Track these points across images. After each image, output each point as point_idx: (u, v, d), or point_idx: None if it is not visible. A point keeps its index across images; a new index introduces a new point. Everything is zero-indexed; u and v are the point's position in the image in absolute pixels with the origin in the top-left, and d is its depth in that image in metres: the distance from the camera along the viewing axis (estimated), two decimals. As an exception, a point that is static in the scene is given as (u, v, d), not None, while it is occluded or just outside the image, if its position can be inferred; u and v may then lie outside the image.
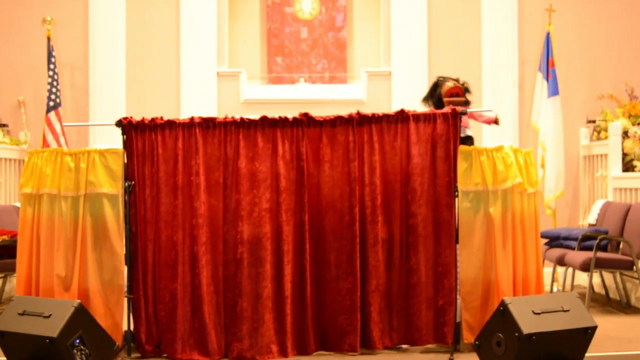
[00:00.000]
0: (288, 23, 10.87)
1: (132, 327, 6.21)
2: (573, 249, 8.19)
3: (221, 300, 6.21)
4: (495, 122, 7.27)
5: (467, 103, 7.28)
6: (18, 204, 7.65)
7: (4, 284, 8.43)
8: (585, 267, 7.69)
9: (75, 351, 5.33)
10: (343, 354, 6.17)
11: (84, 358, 5.38)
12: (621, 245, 8.08)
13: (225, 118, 6.29)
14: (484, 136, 9.62)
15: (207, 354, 6.10)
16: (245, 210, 6.19)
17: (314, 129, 6.28)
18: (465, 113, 6.39)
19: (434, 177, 6.23)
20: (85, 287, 6.03)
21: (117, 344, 5.76)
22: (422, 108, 7.10)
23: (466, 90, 7.38)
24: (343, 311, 6.18)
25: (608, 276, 8.64)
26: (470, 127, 7.25)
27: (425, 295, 6.21)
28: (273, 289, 6.18)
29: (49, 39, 9.75)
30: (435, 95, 7.33)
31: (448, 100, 7.11)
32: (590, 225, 8.90)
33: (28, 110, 10.03)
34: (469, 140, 7.08)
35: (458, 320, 6.13)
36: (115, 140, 6.47)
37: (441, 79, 7.44)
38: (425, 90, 9.77)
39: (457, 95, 7.21)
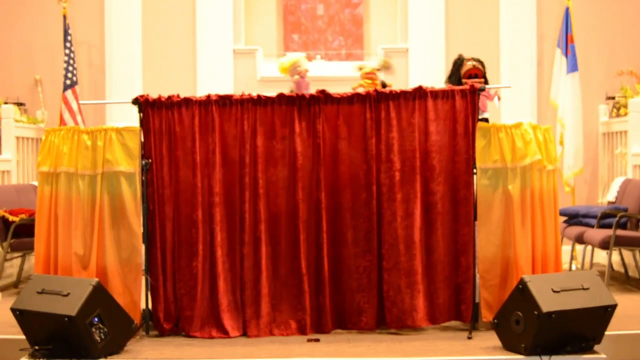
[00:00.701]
0: (304, 0, 10.81)
1: (150, 306, 6.23)
2: (592, 226, 8.14)
3: (239, 277, 6.21)
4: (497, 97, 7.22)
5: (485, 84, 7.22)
6: (36, 183, 7.66)
7: (22, 262, 8.47)
8: (604, 245, 7.64)
9: (93, 329, 5.35)
10: (360, 331, 6.17)
11: (103, 336, 5.40)
12: (641, 223, 8.02)
13: (242, 95, 6.27)
14: (502, 113, 9.54)
15: (225, 332, 6.10)
16: (262, 188, 6.18)
17: (331, 106, 6.24)
18: (483, 89, 6.34)
19: (453, 154, 6.19)
20: (103, 266, 6.05)
21: (135, 322, 5.77)
22: (442, 86, 7.05)
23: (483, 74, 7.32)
24: (360, 289, 6.17)
25: (627, 254, 8.58)
26: (488, 110, 7.19)
27: (444, 273, 6.18)
28: (290, 266, 6.19)
29: (64, 17, 9.74)
30: (456, 75, 7.29)
31: (465, 82, 7.07)
32: (609, 202, 8.84)
33: (45, 88, 10.04)
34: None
35: (477, 299, 6.11)
36: (132, 118, 6.46)
37: (461, 58, 7.38)
38: (442, 66, 9.79)
39: (476, 76, 7.16)
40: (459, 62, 7.29)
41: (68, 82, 9.60)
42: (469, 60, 7.22)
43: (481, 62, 7.22)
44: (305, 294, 6.15)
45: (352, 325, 6.20)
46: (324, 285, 6.17)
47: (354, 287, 6.20)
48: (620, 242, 7.71)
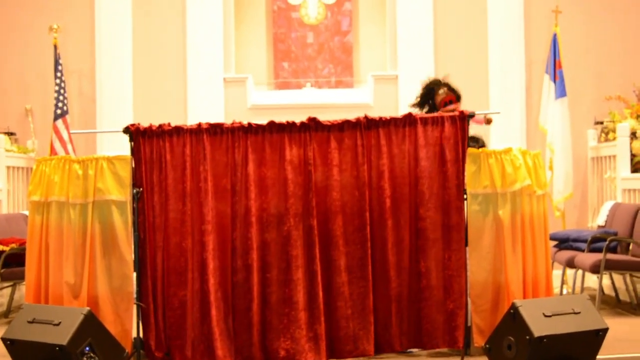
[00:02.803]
0: (294, 28, 10.88)
1: (141, 334, 6.20)
2: (582, 250, 8.17)
3: (230, 306, 6.18)
4: (487, 121, 7.25)
5: (458, 99, 7.23)
6: (26, 212, 7.65)
7: (13, 292, 8.44)
8: (595, 269, 7.67)
9: (84, 359, 5.33)
10: (356, 359, 6.14)
11: (94, 365, 5.38)
12: (631, 247, 8.05)
13: (233, 124, 6.28)
14: (492, 138, 9.58)
15: (217, 360, 6.09)
16: (254, 216, 6.18)
17: (322, 134, 6.26)
18: (473, 116, 6.36)
19: (443, 180, 6.20)
20: (94, 295, 6.02)
21: (126, 351, 5.75)
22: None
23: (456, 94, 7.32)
24: (355, 316, 6.14)
25: (618, 278, 8.60)
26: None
27: (435, 299, 6.17)
28: (283, 294, 6.16)
29: (55, 47, 9.78)
30: (429, 104, 7.27)
31: (444, 110, 7.07)
32: (599, 226, 8.87)
33: (35, 118, 10.06)
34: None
35: (468, 323, 6.11)
36: (123, 147, 6.47)
37: (431, 87, 7.33)
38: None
39: (451, 102, 7.16)
40: (430, 93, 7.26)
41: (59, 111, 9.61)
42: (440, 88, 7.20)
43: (447, 85, 7.23)
44: (299, 322, 6.12)
45: (347, 353, 6.15)
46: (319, 313, 6.12)
47: (348, 314, 6.17)
48: (611, 266, 7.74)
